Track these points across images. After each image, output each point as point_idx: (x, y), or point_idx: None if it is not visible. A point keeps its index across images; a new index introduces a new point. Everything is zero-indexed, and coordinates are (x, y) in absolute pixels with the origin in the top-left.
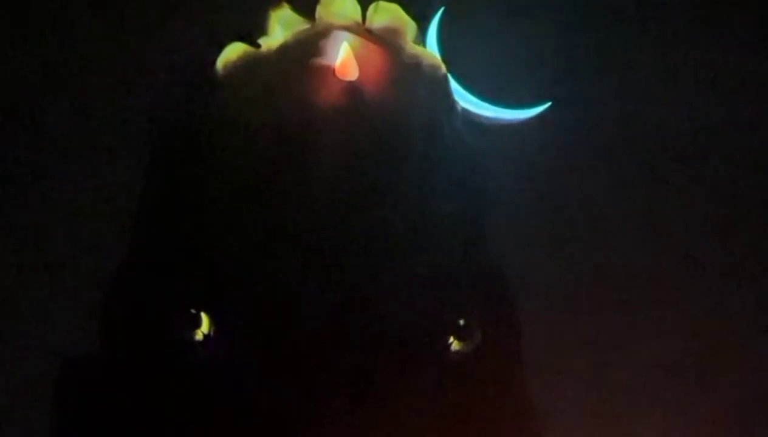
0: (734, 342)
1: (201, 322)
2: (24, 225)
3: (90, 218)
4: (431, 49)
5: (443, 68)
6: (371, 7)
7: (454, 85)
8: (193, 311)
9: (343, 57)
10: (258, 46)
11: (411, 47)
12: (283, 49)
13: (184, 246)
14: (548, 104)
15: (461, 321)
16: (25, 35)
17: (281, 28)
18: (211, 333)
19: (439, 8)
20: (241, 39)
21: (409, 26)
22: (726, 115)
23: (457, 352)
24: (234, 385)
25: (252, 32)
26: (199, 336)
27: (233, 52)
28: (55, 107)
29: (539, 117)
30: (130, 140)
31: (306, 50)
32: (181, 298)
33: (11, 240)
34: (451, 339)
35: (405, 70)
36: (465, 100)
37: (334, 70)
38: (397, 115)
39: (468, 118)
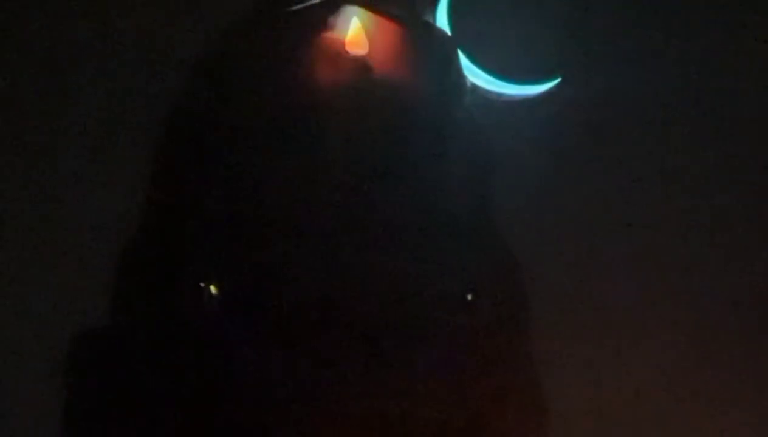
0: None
1: (210, 295)
2: (35, 200)
3: (102, 192)
4: (441, 24)
5: (453, 43)
6: None
7: (463, 60)
8: (201, 284)
9: (353, 31)
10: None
11: (421, 22)
12: (293, 23)
13: (193, 220)
14: (558, 80)
15: (469, 297)
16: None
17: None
18: (221, 306)
19: None
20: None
21: (420, 1)
22: (746, 94)
23: (464, 328)
24: (244, 357)
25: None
26: (207, 308)
27: (242, 27)
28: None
29: (548, 93)
30: (137, 117)
31: (316, 24)
32: (190, 271)
33: (21, 216)
34: (459, 315)
35: (415, 46)
36: (474, 75)
37: (344, 45)
38: (406, 90)
39: (477, 93)
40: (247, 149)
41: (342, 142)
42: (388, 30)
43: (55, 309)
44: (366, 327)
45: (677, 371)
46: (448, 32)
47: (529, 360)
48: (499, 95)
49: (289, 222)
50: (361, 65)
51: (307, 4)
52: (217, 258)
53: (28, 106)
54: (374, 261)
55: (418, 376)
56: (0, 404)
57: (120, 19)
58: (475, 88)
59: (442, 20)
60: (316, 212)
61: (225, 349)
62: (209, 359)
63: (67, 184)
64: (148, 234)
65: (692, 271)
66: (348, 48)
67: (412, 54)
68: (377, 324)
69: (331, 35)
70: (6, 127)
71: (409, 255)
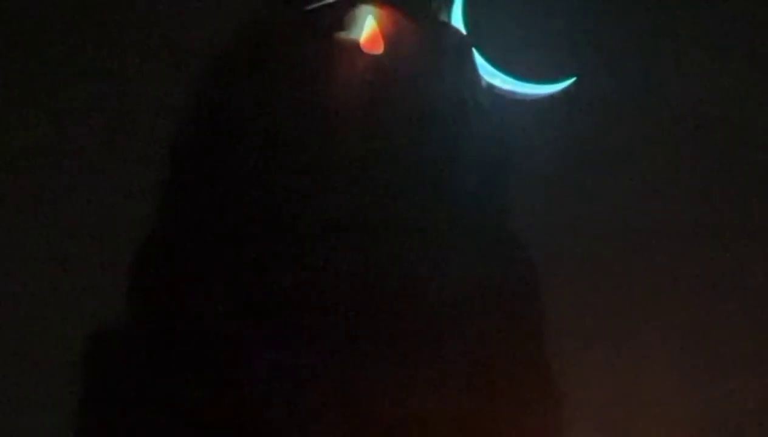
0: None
1: (222, 298)
2: (52, 203)
3: (117, 192)
4: (456, 24)
5: (468, 43)
6: None
7: (478, 59)
8: (219, 290)
9: (368, 31)
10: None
11: (436, 22)
12: (308, 23)
13: (210, 227)
14: (573, 79)
15: (483, 300)
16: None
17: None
18: (233, 308)
19: None
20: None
21: (435, 1)
22: (760, 91)
23: (478, 329)
24: (256, 358)
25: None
26: (220, 311)
27: (257, 27)
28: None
29: (563, 92)
30: (153, 118)
31: (331, 24)
32: (203, 272)
33: (38, 218)
34: (473, 315)
35: (430, 45)
36: (490, 74)
37: (359, 45)
38: (422, 90)
39: (492, 92)
40: (261, 149)
41: (357, 141)
42: (403, 29)
43: (70, 309)
44: (378, 329)
45: (693, 372)
46: (464, 31)
47: (543, 360)
48: (515, 94)
49: (303, 224)
50: (377, 65)
51: (322, 3)
52: (230, 260)
53: (49, 108)
54: (388, 261)
55: (432, 377)
56: (16, 403)
57: (136, 19)
58: (490, 88)
59: (457, 19)
60: (330, 212)
61: (238, 351)
62: (222, 361)
63: (82, 185)
64: (163, 234)
65: (708, 270)
66: (363, 48)
67: (427, 53)
68: (389, 326)
69: (346, 35)
70: (26, 130)
71: (423, 255)
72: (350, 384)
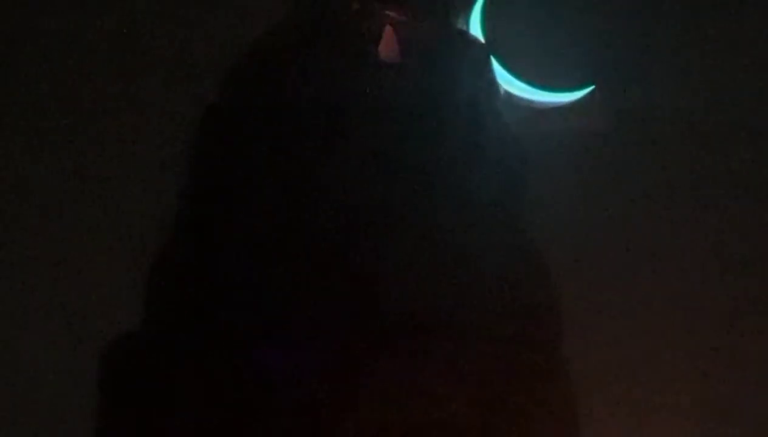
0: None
1: (240, 307)
2: (72, 211)
3: (136, 201)
4: (474, 32)
5: (486, 51)
6: None
7: (496, 67)
8: (230, 294)
9: (386, 39)
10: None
11: (454, 30)
12: (327, 31)
13: (223, 227)
14: (590, 88)
15: (498, 305)
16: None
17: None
18: (250, 311)
19: None
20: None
21: (454, 9)
22: None
23: (495, 335)
24: (274, 363)
25: None
26: (238, 315)
27: (277, 35)
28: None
29: (580, 100)
30: (172, 128)
31: (350, 32)
32: (221, 278)
33: (58, 226)
34: (491, 320)
35: (448, 53)
36: (507, 82)
37: (377, 52)
38: (440, 97)
39: (510, 100)
40: (280, 155)
41: (375, 148)
42: (421, 38)
43: (89, 317)
44: (393, 328)
45: (712, 379)
46: (482, 40)
47: (561, 364)
48: (532, 102)
49: (321, 227)
50: (395, 72)
51: (341, 11)
52: (249, 264)
53: (71, 113)
54: (401, 265)
55: (445, 378)
56: (36, 410)
57: (155, 25)
58: (508, 96)
59: (475, 28)
60: (346, 217)
61: (255, 356)
62: (241, 367)
63: (102, 194)
64: (181, 241)
65: (729, 276)
66: (381, 55)
67: (445, 61)
68: (404, 325)
69: (364, 43)
70: (46, 138)
71: (437, 261)
72: (368, 385)
